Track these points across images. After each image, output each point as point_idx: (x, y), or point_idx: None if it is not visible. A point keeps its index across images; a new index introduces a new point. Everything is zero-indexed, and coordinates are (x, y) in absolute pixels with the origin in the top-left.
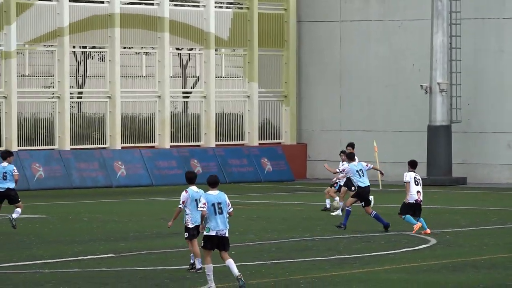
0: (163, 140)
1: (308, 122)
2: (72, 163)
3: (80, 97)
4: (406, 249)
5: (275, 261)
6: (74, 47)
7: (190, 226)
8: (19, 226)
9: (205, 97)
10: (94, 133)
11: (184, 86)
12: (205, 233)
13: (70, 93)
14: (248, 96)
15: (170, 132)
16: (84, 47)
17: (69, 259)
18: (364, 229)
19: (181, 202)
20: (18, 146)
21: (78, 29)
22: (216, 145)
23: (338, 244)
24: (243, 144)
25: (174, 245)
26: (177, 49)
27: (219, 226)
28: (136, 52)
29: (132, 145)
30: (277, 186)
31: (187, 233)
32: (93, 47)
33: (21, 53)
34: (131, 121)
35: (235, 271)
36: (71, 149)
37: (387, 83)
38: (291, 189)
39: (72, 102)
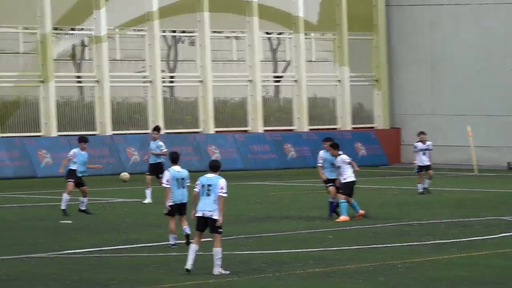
0: (255, 124)
1: (400, 106)
2: (168, 147)
3: (172, 82)
4: (504, 234)
5: (372, 246)
6: (164, 31)
7: (171, 203)
8: (117, 210)
9: (296, 81)
10: (186, 117)
11: (275, 70)
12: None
13: (162, 78)
14: (339, 80)
15: (263, 117)
16: (174, 31)
17: (167, 243)
18: (461, 214)
19: (165, 181)
20: (112, 130)
21: (167, 14)
22: (310, 129)
23: (435, 229)
24: (335, 129)
25: (271, 229)
26: (267, 33)
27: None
28: (226, 37)
29: (225, 129)
30: (371, 170)
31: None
32: (183, 32)
33: (112, 37)
34: (223, 105)
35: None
36: (165, 133)
37: (477, 67)
38: (386, 174)
39: (164, 86)
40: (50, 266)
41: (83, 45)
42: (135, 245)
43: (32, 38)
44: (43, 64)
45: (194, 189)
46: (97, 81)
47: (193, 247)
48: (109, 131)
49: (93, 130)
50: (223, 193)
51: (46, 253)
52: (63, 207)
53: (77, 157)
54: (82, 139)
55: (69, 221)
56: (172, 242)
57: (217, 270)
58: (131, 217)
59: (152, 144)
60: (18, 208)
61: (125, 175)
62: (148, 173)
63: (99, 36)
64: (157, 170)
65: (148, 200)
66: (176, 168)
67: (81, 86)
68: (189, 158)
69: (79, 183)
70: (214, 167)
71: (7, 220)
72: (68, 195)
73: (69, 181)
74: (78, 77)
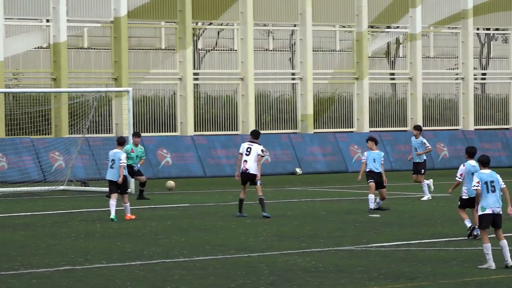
0: None
1: None
2: (475, 143)
3: (484, 78)
4: None
5: None
6: (477, 29)
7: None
8: (424, 205)
9: None
10: (497, 113)
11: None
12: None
13: (474, 75)
14: None
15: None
16: (487, 29)
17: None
18: None
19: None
20: (424, 126)
21: (482, 11)
22: None
23: None
24: None
25: None
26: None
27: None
28: None
29: None
30: None
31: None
32: (496, 29)
33: (426, 35)
34: None
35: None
36: (474, 129)
37: None
38: None
39: (476, 83)
40: (357, 259)
41: (397, 42)
42: (442, 239)
43: (348, 36)
44: (358, 61)
45: (476, 187)
46: (410, 78)
47: (488, 246)
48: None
49: (405, 126)
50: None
51: (354, 246)
52: (371, 207)
53: (367, 157)
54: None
55: (378, 215)
56: (475, 233)
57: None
58: (439, 212)
59: (415, 142)
60: (329, 202)
61: (170, 183)
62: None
63: (414, 34)
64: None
65: (426, 197)
66: (472, 162)
67: (394, 83)
68: (498, 154)
69: (379, 184)
70: (486, 162)
71: (318, 213)
72: (373, 195)
73: (370, 182)
74: (392, 74)
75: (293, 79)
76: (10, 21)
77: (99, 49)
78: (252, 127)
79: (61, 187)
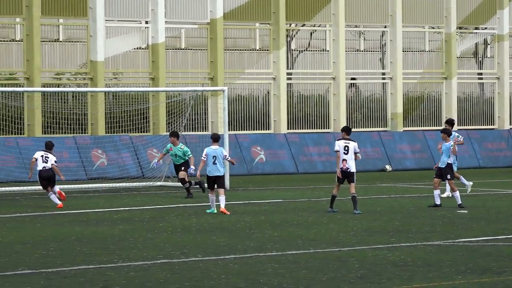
0: None
1: None
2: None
3: None
4: None
5: None
6: None
7: None
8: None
9: None
10: None
11: None
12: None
13: None
14: None
15: None
16: None
17: None
18: None
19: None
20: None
21: None
22: None
23: None
24: None
25: None
26: None
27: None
28: None
29: None
30: None
31: None
32: None
33: None
34: None
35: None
36: None
37: None
38: None
39: None
40: (445, 253)
41: (485, 43)
42: None
43: (437, 37)
44: (447, 61)
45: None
46: (498, 78)
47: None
48: (507, 126)
49: (492, 125)
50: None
51: (442, 241)
52: (459, 202)
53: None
54: None
55: (465, 211)
56: None
57: None
58: None
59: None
60: (417, 198)
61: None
62: None
63: (502, 35)
64: None
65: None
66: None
67: (481, 83)
68: None
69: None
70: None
71: (407, 209)
72: (437, 190)
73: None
74: (480, 74)
75: (383, 78)
76: (110, 23)
77: (196, 49)
78: (343, 125)
79: (159, 183)
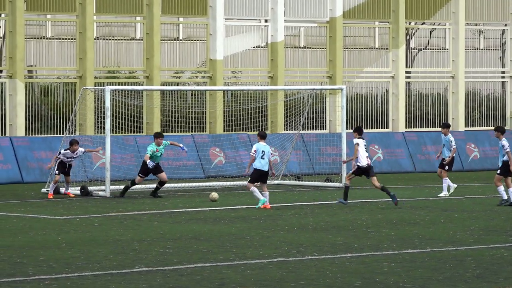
0: None
1: None
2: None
3: None
4: None
5: None
6: None
7: None
8: None
9: None
10: None
11: None
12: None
13: None
14: None
15: None
16: None
17: None
18: None
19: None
20: None
21: None
22: None
23: None
24: None
25: None
26: None
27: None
28: None
29: None
30: None
31: None
32: None
33: None
34: None
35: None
36: None
37: None
38: None
39: None
40: None
41: None
42: None
43: None
44: None
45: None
46: None
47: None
48: None
49: None
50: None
51: None
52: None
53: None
54: None
55: None
56: None
57: None
58: None
59: (443, 139)
60: None
61: (213, 195)
62: None
63: None
64: None
65: (443, 193)
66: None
67: None
68: None
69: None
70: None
71: None
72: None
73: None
74: None
75: (502, 77)
76: (230, 21)
77: (315, 48)
78: (462, 124)
79: (276, 182)
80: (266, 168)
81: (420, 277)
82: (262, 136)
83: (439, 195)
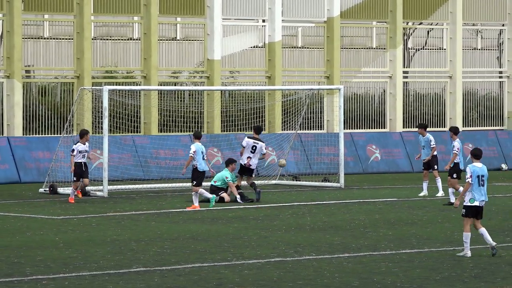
0: None
1: None
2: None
3: None
4: None
5: None
6: None
7: None
8: None
9: None
10: None
11: None
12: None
13: None
14: None
15: None
16: None
17: None
18: None
19: None
20: None
21: None
22: None
23: None
24: None
25: None
26: None
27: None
28: None
29: None
30: None
31: None
32: None
33: None
34: None
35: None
36: None
37: None
38: None
39: None
40: None
41: None
42: None
43: None
44: None
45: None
46: None
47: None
48: None
49: None
50: None
51: None
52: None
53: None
54: None
55: None
56: None
57: None
58: None
59: (422, 140)
60: None
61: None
62: None
63: None
64: None
65: (440, 193)
66: None
67: None
68: None
69: None
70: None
71: None
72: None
73: None
74: None
75: (500, 77)
76: (227, 22)
77: (312, 48)
78: (459, 124)
79: (273, 182)
80: (207, 168)
81: (417, 277)
82: (198, 137)
83: (436, 195)
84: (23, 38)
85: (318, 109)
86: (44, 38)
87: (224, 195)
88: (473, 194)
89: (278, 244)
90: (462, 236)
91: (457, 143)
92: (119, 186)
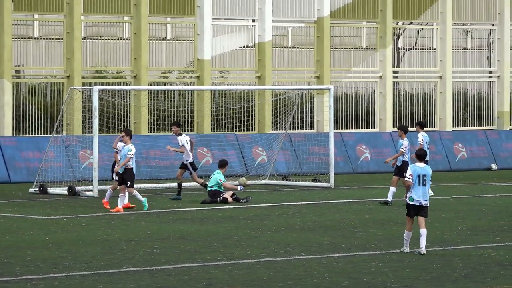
0: None
1: None
2: None
3: None
4: None
5: None
6: None
7: None
8: None
9: None
10: None
11: None
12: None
13: None
14: None
15: None
16: None
17: None
18: None
19: None
20: None
21: None
22: None
23: None
24: None
25: None
26: None
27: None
28: None
29: None
30: None
31: None
32: None
33: None
34: None
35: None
36: None
37: None
38: None
39: None
40: None
41: None
42: None
43: None
44: None
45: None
46: None
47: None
48: None
49: None
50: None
51: None
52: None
53: None
54: None
55: None
56: None
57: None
58: None
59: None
60: None
61: (242, 180)
62: None
63: None
64: None
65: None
66: None
67: None
68: None
69: None
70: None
71: None
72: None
73: None
74: None
75: (490, 77)
76: (217, 21)
77: (302, 48)
78: (449, 124)
79: (263, 181)
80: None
81: (407, 277)
82: (132, 136)
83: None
84: (13, 38)
85: (308, 109)
86: (34, 38)
87: (227, 195)
88: (412, 193)
89: (268, 244)
90: (451, 236)
91: (406, 142)
92: (109, 186)
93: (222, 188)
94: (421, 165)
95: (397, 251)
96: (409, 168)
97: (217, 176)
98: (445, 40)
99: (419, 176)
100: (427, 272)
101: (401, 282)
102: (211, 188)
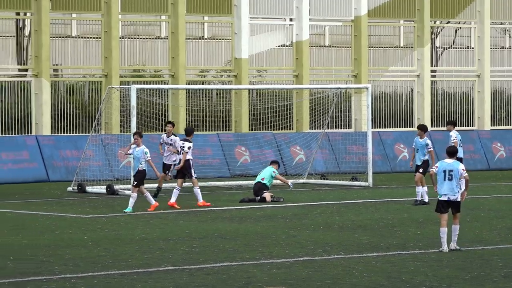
0: None
1: None
2: None
3: None
4: None
5: None
6: None
7: None
8: None
9: None
10: None
11: None
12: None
13: None
14: None
15: None
16: None
17: None
18: None
19: None
20: None
21: None
22: None
23: None
24: None
25: None
26: None
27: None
28: None
29: None
30: None
31: None
32: None
33: None
34: None
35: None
36: None
37: None
38: None
39: None
40: None
41: None
42: None
43: None
44: None
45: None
46: None
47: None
48: None
49: None
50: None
51: None
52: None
53: None
54: None
55: None
56: None
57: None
58: None
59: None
60: None
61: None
62: None
63: None
64: None
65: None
66: None
67: None
68: None
69: None
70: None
71: None
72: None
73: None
74: None
75: None
76: (255, 20)
77: (340, 47)
78: (487, 123)
79: (301, 180)
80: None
81: (446, 277)
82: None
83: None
84: (51, 37)
85: (345, 108)
86: (72, 37)
87: (266, 194)
88: (438, 189)
89: (306, 243)
90: (490, 236)
91: (429, 141)
92: (148, 185)
93: (272, 182)
94: (449, 161)
95: (435, 250)
96: (438, 162)
97: (271, 168)
98: (483, 39)
99: (444, 171)
100: (466, 272)
101: (440, 281)
102: (261, 181)
